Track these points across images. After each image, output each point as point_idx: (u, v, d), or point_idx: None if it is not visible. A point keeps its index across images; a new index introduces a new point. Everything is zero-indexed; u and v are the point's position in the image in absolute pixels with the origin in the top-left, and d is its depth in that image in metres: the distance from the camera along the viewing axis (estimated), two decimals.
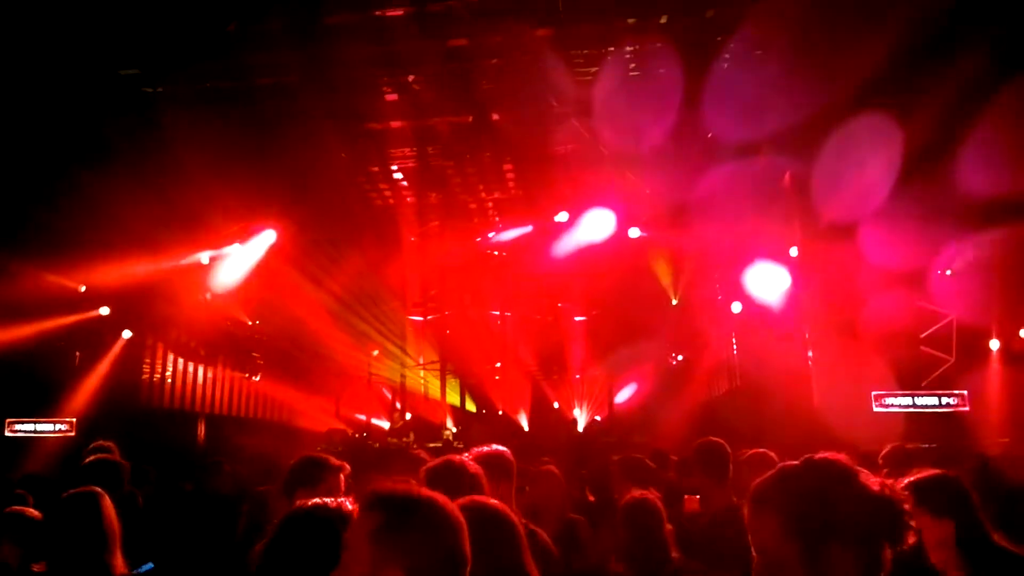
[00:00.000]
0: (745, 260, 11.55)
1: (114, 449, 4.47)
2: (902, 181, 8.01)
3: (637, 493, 3.26)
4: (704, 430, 4.23)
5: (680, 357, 14.95)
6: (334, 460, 3.06)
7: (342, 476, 3.01)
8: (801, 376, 9.92)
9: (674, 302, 14.02)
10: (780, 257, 10.85)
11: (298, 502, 2.13)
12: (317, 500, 2.09)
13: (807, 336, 10.22)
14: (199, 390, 14.71)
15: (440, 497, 1.58)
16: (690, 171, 10.16)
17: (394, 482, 1.59)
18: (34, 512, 3.61)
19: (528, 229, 14.30)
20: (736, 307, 12.34)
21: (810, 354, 10.06)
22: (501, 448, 3.00)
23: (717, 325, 13.39)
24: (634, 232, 13.02)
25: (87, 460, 4.13)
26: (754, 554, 1.59)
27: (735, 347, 13.44)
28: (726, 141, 9.49)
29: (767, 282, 11.21)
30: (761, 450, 3.88)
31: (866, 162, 8.19)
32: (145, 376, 13.29)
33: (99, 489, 2.99)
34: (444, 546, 1.50)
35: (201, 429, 14.20)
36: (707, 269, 13.29)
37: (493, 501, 1.95)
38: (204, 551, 3.96)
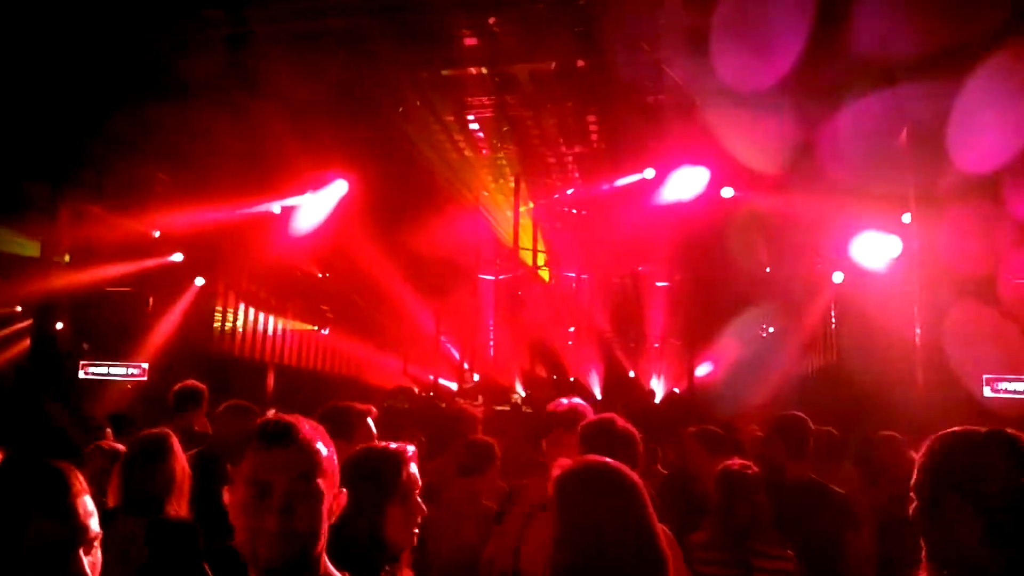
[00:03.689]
0: (850, 225, 11.16)
1: (204, 391, 4.74)
2: None
3: (735, 463, 3.26)
4: (793, 408, 4.14)
5: (771, 329, 14.71)
6: (358, 405, 3.12)
7: (369, 420, 3.08)
8: (906, 355, 9.59)
9: (767, 270, 13.76)
10: (891, 223, 10.45)
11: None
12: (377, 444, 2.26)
13: (916, 311, 9.84)
14: (269, 341, 15.25)
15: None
16: (794, 127, 9.83)
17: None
18: (116, 445, 3.83)
19: (611, 186, 14.22)
20: (837, 277, 12.01)
21: (918, 331, 9.71)
22: (578, 402, 3.14)
23: (814, 296, 13.09)
24: (727, 192, 12.78)
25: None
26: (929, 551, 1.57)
27: (833, 321, 13.09)
28: (839, 92, 9.09)
29: (874, 250, 10.87)
30: (890, 432, 3.94)
31: (1008, 106, 7.68)
32: (216, 324, 13.77)
33: (169, 431, 3.10)
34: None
35: (270, 379, 14.62)
36: (806, 235, 12.82)
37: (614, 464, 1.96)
38: None
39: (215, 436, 4.14)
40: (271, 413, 1.74)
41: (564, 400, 3.14)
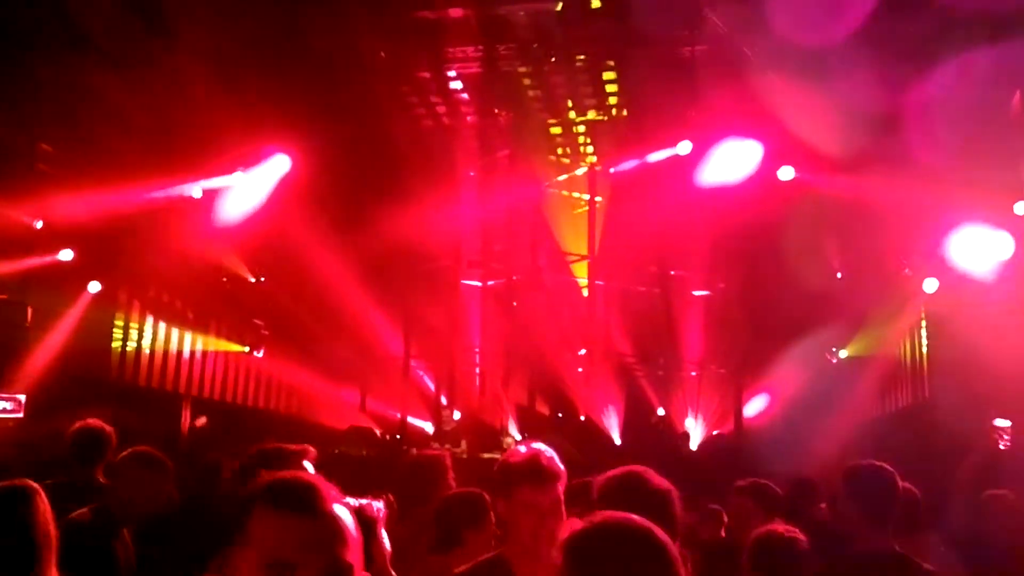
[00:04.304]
0: (947, 219, 11.25)
1: (111, 436, 4.82)
2: None
3: (780, 527, 3.28)
4: (870, 458, 4.18)
5: (843, 354, 14.77)
6: (291, 446, 3.27)
7: (307, 463, 3.20)
8: (1020, 390, 9.66)
9: (838, 276, 13.85)
10: (999, 216, 10.53)
11: None
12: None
13: None
14: (185, 366, 15.15)
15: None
16: (873, 91, 9.86)
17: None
18: None
19: (633, 164, 14.33)
20: (930, 285, 12.10)
21: None
22: (540, 448, 3.05)
23: (898, 311, 13.10)
24: (786, 173, 12.88)
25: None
26: None
27: (924, 344, 13.23)
28: (932, 48, 9.13)
29: (978, 251, 10.97)
30: (1000, 491, 4.01)
31: None
32: (116, 344, 13.77)
33: (33, 484, 3.12)
34: None
35: (186, 417, 14.60)
36: (889, 231, 12.88)
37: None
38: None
39: (113, 493, 4.18)
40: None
41: (521, 447, 3.04)
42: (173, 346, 14.88)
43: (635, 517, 1.94)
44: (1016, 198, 10.26)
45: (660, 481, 2.87)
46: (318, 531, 1.56)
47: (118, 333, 13.87)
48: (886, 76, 9.61)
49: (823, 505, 5.75)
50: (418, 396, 16.86)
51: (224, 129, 11.69)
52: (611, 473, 2.93)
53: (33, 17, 8.93)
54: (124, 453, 4.24)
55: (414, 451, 13.51)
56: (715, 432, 15.79)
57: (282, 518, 1.56)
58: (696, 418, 16.02)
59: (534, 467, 2.89)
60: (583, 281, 16.84)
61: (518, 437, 15.17)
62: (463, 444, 13.99)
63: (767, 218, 13.06)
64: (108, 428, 4.80)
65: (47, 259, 12.06)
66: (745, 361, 15.13)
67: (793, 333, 13.97)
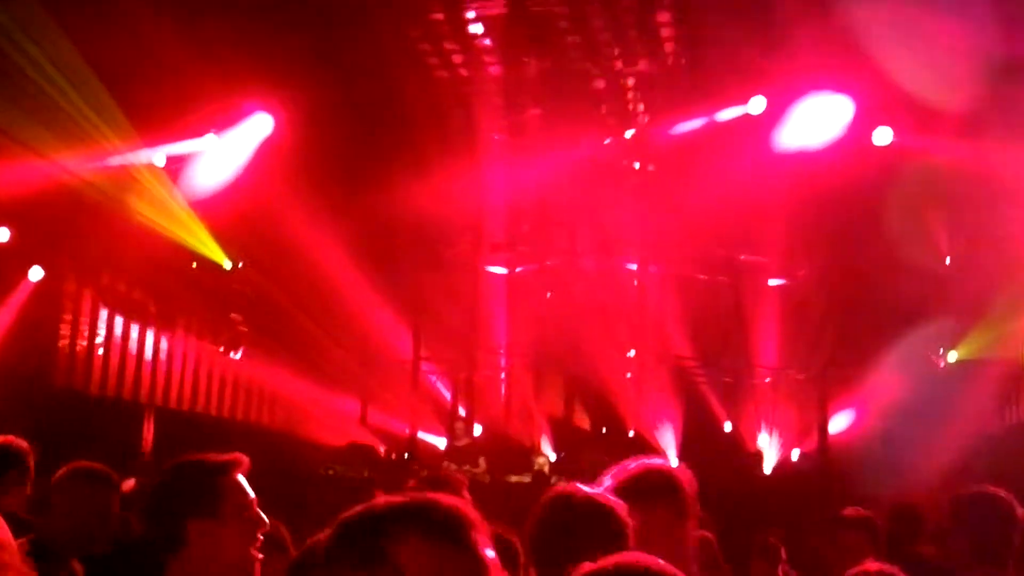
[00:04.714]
0: None
1: (27, 453, 4.88)
2: None
3: (873, 566, 3.33)
4: (985, 482, 4.31)
5: (952, 356, 14.61)
6: (215, 457, 3.12)
7: (240, 478, 3.13)
8: None
9: (947, 262, 13.79)
10: None
11: None
12: None
13: None
14: (147, 369, 15.03)
15: None
16: (995, 34, 9.79)
17: None
18: None
19: (694, 124, 14.18)
20: None
21: None
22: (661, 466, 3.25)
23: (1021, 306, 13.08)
24: (883, 136, 12.81)
25: None
26: None
27: None
28: None
29: None
30: None
31: None
32: (63, 342, 13.71)
33: None
34: None
35: (148, 431, 14.39)
36: (1011, 205, 12.73)
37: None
38: None
39: (53, 516, 4.16)
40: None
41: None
42: (132, 346, 14.87)
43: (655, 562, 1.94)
44: None
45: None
46: (471, 566, 1.61)
47: (66, 330, 13.80)
48: (1011, 11, 9.40)
49: (928, 538, 5.80)
50: (430, 407, 16.84)
51: (192, 82, 11.57)
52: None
53: None
54: (61, 471, 4.22)
55: (425, 473, 13.50)
56: (796, 451, 15.73)
57: (438, 549, 1.60)
58: (771, 434, 15.92)
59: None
60: (633, 267, 16.67)
61: (552, 457, 15.16)
62: (482, 463, 13.96)
63: (859, 191, 13.03)
64: (23, 445, 4.81)
65: None
66: (831, 365, 15.03)
67: (891, 331, 13.94)
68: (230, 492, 2.96)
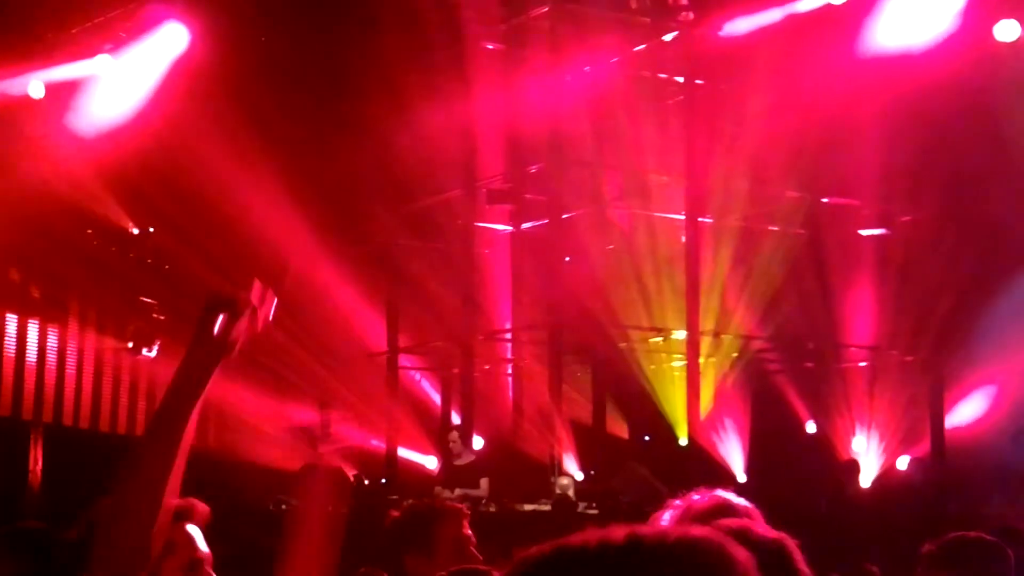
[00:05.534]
0: None
1: None
2: None
3: None
4: None
5: None
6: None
7: (191, 527, 3.26)
8: None
9: None
10: None
11: None
12: None
13: None
14: (31, 375, 14.98)
15: None
16: None
17: None
18: None
19: (754, 23, 14.37)
20: None
21: None
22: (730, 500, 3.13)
23: None
24: (1009, 30, 13.25)
25: None
26: None
27: None
28: None
29: None
30: None
31: None
32: None
33: None
34: None
35: (35, 456, 14.50)
36: None
37: None
38: None
39: None
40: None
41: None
42: (10, 344, 14.84)
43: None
44: None
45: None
46: None
47: None
48: None
49: None
50: (413, 414, 16.77)
51: None
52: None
53: None
54: None
55: (408, 503, 13.50)
56: (903, 458, 15.91)
57: None
58: (869, 435, 16.28)
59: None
60: (679, 218, 16.51)
61: (578, 476, 14.96)
62: (483, 485, 14.18)
63: (979, 106, 13.56)
64: None
65: None
66: (946, 342, 15.33)
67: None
68: (181, 545, 3.14)
